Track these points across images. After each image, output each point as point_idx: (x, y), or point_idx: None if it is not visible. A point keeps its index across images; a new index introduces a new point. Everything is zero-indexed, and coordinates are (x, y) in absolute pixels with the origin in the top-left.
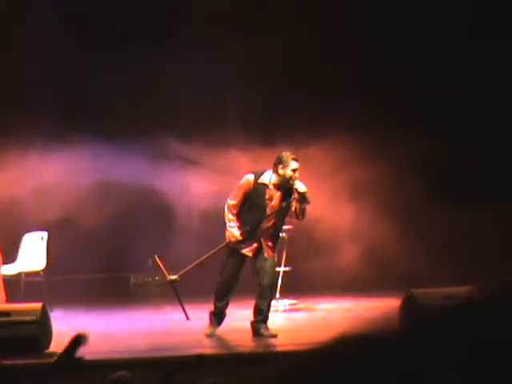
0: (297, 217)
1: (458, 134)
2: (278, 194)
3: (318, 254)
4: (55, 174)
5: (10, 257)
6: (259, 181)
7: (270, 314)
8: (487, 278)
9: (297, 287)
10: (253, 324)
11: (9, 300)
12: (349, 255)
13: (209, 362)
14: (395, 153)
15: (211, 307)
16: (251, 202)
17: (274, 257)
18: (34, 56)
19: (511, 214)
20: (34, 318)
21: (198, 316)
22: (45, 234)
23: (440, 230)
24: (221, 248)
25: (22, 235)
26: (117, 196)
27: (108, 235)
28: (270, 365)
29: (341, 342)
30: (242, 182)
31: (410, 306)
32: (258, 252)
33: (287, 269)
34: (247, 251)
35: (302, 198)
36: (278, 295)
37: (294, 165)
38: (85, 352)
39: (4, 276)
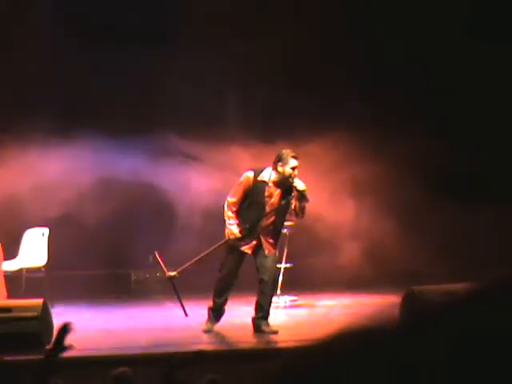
0: (296, 215)
1: (459, 134)
2: (277, 192)
3: (319, 251)
4: (56, 170)
5: (12, 253)
6: (259, 178)
7: (271, 311)
8: (488, 276)
9: (298, 284)
10: (254, 320)
11: (10, 296)
12: (349, 252)
13: (208, 358)
14: (395, 152)
15: (210, 303)
16: (251, 200)
17: (274, 254)
18: (34, 55)
19: (511, 213)
20: (35, 314)
21: (199, 312)
22: (46, 230)
23: (440, 229)
24: (220, 245)
25: (23, 231)
26: (118, 192)
27: (109, 232)
28: (271, 361)
29: (340, 338)
30: (241, 179)
31: (410, 303)
32: (258, 249)
33: (288, 265)
34: (246, 248)
35: (301, 196)
36: (278, 292)
37: (293, 162)
38: (86, 348)
39: (5, 272)
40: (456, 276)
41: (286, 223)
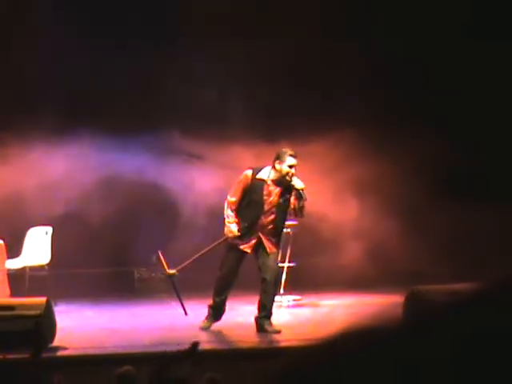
0: (295, 214)
1: (461, 134)
2: (276, 190)
3: (322, 251)
4: (59, 169)
5: (15, 251)
6: (257, 176)
7: (274, 310)
8: (491, 277)
9: (301, 283)
10: (257, 320)
11: (13, 294)
12: (353, 252)
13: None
14: (398, 151)
15: (210, 301)
16: (249, 198)
17: (276, 252)
18: (34, 55)
19: None
20: (38, 312)
21: (201, 312)
22: (49, 229)
23: (443, 229)
24: (219, 243)
25: (27, 230)
26: (121, 191)
27: (112, 230)
28: (273, 360)
29: (343, 337)
30: (240, 178)
31: (413, 303)
32: (258, 248)
33: (291, 265)
34: (246, 247)
35: (299, 194)
36: (282, 291)
37: (290, 160)
38: (90, 347)
39: (9, 270)
40: (459, 276)
41: (289, 223)
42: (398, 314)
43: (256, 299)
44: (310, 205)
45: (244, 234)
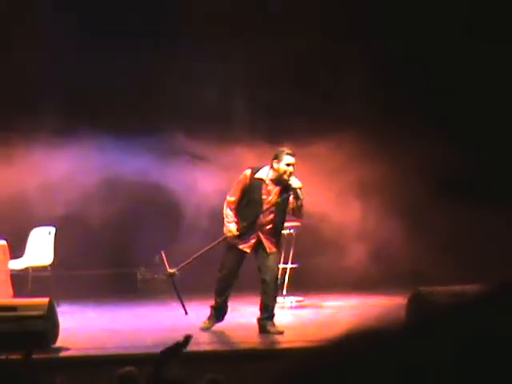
0: (293, 214)
1: (463, 134)
2: (275, 190)
3: (325, 252)
4: (62, 170)
5: (18, 252)
6: (256, 176)
7: (277, 311)
8: (495, 279)
9: (304, 284)
10: (259, 321)
11: (16, 295)
12: (356, 253)
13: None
14: (400, 152)
15: (212, 302)
16: (248, 198)
17: (276, 252)
18: (35, 55)
19: None
20: (40, 312)
21: (204, 313)
22: (52, 229)
23: (447, 230)
24: (218, 242)
25: (30, 230)
26: (124, 192)
27: (115, 231)
28: (276, 362)
29: (347, 339)
30: (239, 178)
31: (416, 304)
32: (258, 248)
33: (294, 266)
34: (245, 247)
35: (296, 194)
36: (284, 292)
37: (288, 159)
38: (92, 347)
39: (11, 271)
40: (462, 277)
41: (292, 224)
42: (401, 315)
43: (258, 300)
44: (312, 206)
45: (243, 234)
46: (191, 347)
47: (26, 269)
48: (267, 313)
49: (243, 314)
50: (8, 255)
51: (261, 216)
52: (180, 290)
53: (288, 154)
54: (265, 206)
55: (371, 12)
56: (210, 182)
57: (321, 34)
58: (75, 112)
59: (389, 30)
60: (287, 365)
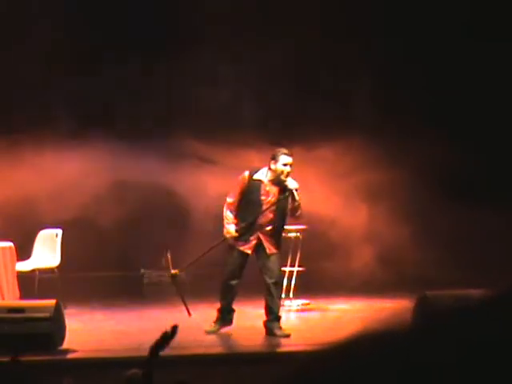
0: (291, 214)
1: (464, 134)
2: (274, 190)
3: (332, 255)
4: (71, 172)
5: (25, 253)
6: (254, 177)
7: (283, 314)
8: (501, 283)
9: (310, 288)
10: (266, 323)
11: (23, 296)
12: (362, 257)
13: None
14: (408, 156)
15: (218, 305)
16: (247, 199)
17: (277, 253)
18: (40, 56)
19: None
20: (47, 314)
21: (212, 315)
22: (59, 231)
23: (453, 234)
24: (218, 244)
25: (37, 232)
26: (132, 195)
27: (123, 234)
28: (283, 365)
29: (353, 342)
30: (238, 179)
31: (423, 308)
32: (259, 249)
33: (301, 269)
34: (246, 248)
35: (291, 195)
36: (291, 295)
37: (284, 159)
38: (98, 349)
39: (18, 272)
40: (469, 281)
41: (298, 227)
42: (408, 319)
43: (256, 301)
44: (320, 209)
45: (242, 235)
46: (204, 350)
47: (33, 271)
48: (273, 315)
49: (249, 317)
50: (15, 257)
51: (260, 217)
52: (185, 291)
53: (285, 154)
54: (264, 207)
55: (371, 12)
56: (219, 185)
57: (321, 34)
58: (86, 115)
59: (389, 30)
60: (293, 368)
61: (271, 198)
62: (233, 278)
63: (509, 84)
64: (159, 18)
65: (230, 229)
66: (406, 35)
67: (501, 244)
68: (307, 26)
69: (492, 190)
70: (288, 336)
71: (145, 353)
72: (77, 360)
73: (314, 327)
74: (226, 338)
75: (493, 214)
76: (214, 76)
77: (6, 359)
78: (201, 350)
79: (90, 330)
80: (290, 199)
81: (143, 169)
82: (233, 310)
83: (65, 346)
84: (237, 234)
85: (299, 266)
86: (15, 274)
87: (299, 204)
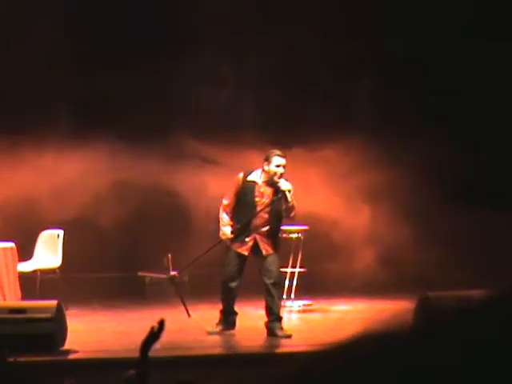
0: (285, 215)
1: (464, 134)
2: (268, 191)
3: (334, 256)
4: (72, 172)
5: (27, 254)
6: (248, 179)
7: (285, 315)
8: (503, 284)
9: (312, 288)
10: (267, 324)
11: (24, 297)
12: (364, 258)
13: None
14: (410, 157)
15: (221, 306)
16: (242, 200)
17: (273, 254)
18: (40, 56)
19: None
20: (49, 315)
21: (214, 316)
22: (61, 232)
23: (455, 235)
24: (214, 246)
25: (38, 232)
26: (133, 195)
27: (124, 234)
28: (285, 365)
29: (355, 343)
30: (233, 181)
31: (424, 309)
32: (256, 250)
33: (302, 270)
34: (243, 250)
35: (284, 196)
36: (293, 296)
37: (277, 160)
38: (99, 350)
39: (20, 273)
40: (471, 282)
41: (300, 227)
42: (409, 319)
43: (257, 301)
44: (321, 210)
45: (238, 236)
46: (206, 351)
47: (35, 271)
48: (274, 315)
49: (251, 318)
50: (17, 257)
51: (255, 218)
52: (184, 292)
53: (278, 155)
54: (258, 208)
55: (371, 12)
56: (220, 186)
57: (321, 34)
58: (87, 115)
59: (389, 29)
60: (295, 368)
61: (265, 200)
62: (231, 279)
63: (509, 84)
64: (159, 18)
65: (226, 231)
66: (406, 35)
67: (501, 244)
68: (307, 25)
69: (492, 190)
70: (289, 337)
71: (150, 353)
72: (78, 360)
73: (316, 328)
74: (228, 339)
75: (493, 214)
76: (214, 76)
77: (8, 360)
78: (202, 351)
79: (92, 331)
80: (283, 200)
81: (143, 169)
82: (235, 313)
83: (66, 346)
84: (232, 236)
85: (301, 267)
86: (17, 275)
87: (293, 205)
